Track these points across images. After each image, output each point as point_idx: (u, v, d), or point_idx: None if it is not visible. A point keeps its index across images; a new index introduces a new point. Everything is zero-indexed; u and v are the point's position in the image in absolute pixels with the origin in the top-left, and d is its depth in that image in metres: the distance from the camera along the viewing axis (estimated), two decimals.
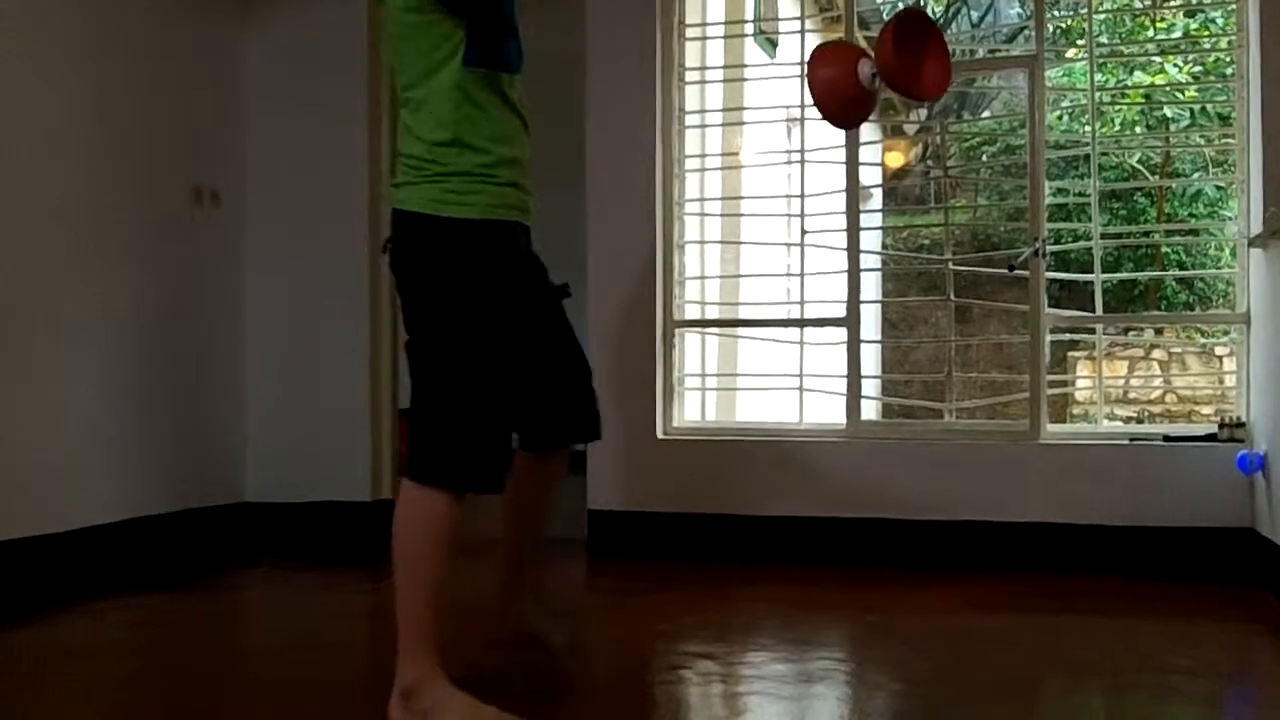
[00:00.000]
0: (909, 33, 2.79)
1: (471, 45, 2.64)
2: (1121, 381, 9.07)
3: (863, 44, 5.34)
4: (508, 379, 2.67)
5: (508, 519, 3.10)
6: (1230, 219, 5.91)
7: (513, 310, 2.70)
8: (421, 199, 2.65)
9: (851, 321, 5.15)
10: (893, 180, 9.55)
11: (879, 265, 7.26)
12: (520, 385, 2.77)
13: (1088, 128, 5.28)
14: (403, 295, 2.73)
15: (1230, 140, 5.18)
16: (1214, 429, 4.74)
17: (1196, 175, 10.45)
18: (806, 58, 2.83)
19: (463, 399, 2.61)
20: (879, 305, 9.57)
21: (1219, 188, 10.18)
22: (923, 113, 13.19)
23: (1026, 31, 5.51)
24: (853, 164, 5.17)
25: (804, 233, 5.30)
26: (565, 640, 3.25)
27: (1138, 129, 10.47)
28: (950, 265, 5.47)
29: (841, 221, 5.19)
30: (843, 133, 5.16)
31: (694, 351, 5.69)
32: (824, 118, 2.99)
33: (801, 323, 5.35)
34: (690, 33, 5.48)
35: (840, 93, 2.81)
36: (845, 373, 5.16)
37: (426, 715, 2.57)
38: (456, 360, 2.61)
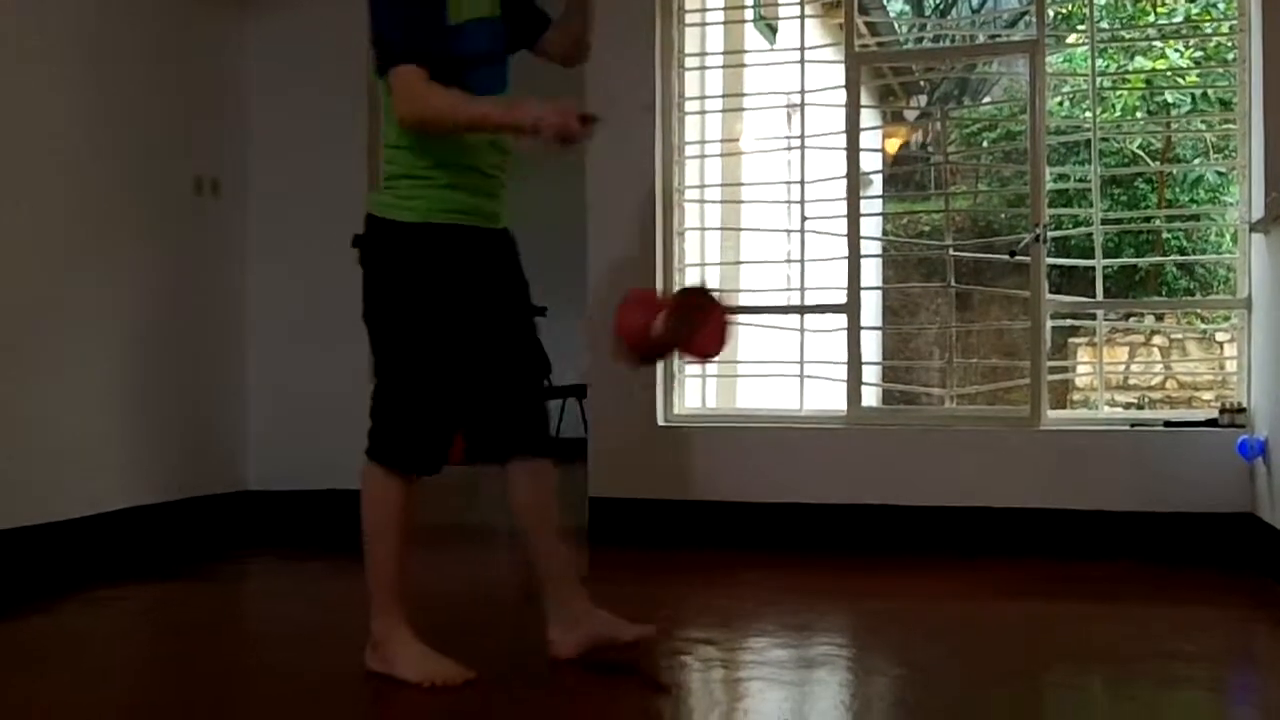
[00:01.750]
0: (692, 306, 3.06)
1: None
2: (1122, 367, 9.07)
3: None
4: (441, 374, 2.86)
5: (523, 537, 3.14)
6: (1231, 204, 5.91)
7: (451, 311, 2.85)
8: (376, 202, 2.91)
9: (852, 308, 5.15)
10: (893, 167, 9.54)
11: (879, 252, 7.23)
12: (460, 384, 2.89)
13: (1088, 113, 5.28)
14: (363, 288, 2.99)
15: (1231, 125, 5.17)
16: (1215, 414, 4.74)
17: (1197, 160, 10.44)
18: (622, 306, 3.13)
19: (397, 389, 2.88)
20: (880, 292, 9.58)
21: (1220, 173, 10.16)
22: (923, 99, 13.18)
23: (1027, 17, 5.50)
24: (853, 150, 5.16)
25: (804, 219, 5.30)
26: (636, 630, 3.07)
27: (1139, 114, 10.45)
28: (951, 251, 5.47)
29: (842, 208, 5.18)
30: (843, 118, 5.16)
31: None
32: (617, 354, 3.17)
33: (802, 309, 5.35)
34: (690, 18, 5.46)
35: (639, 341, 3.04)
36: (846, 359, 5.16)
37: (390, 663, 2.87)
38: (394, 353, 2.88)
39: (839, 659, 3.36)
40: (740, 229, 6.06)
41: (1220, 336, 8.63)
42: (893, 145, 10.74)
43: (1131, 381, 9.49)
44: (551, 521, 3.08)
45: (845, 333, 5.16)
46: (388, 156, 2.85)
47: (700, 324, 3.01)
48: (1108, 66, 10.00)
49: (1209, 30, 8.48)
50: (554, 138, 2.70)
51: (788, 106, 5.77)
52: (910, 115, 12.53)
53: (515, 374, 3.00)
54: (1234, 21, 5.09)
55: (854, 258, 5.16)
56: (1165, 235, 10.64)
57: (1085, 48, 5.72)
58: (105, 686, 3.03)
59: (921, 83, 12.01)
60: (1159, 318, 10.08)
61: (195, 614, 3.98)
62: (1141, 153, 10.74)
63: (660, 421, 5.20)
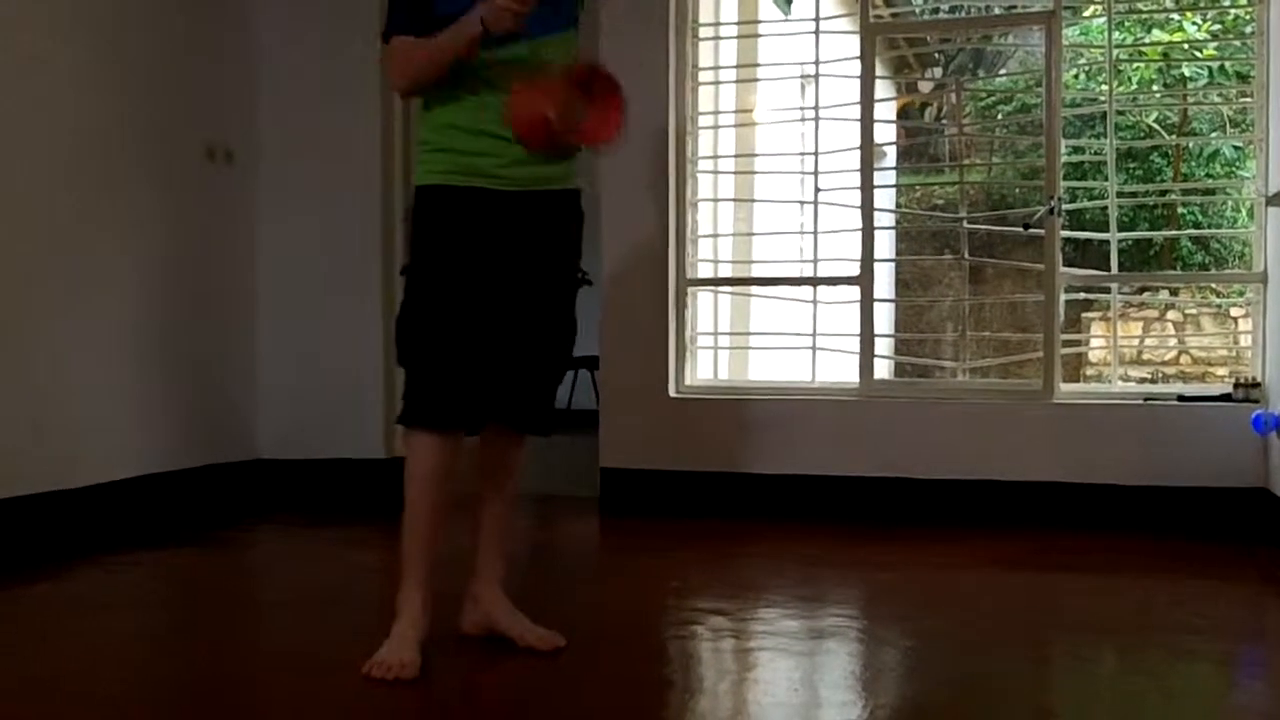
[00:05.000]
0: (590, 87, 2.89)
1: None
2: (1136, 341, 9.03)
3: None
4: (461, 335, 2.84)
5: (478, 492, 3.08)
6: (1248, 178, 5.87)
7: (467, 274, 2.83)
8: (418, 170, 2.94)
9: (865, 280, 5.14)
10: (902, 128, 9.50)
11: (893, 224, 7.21)
12: (471, 347, 2.86)
13: (1104, 86, 5.24)
14: None
15: (1248, 99, 5.14)
16: (1229, 389, 4.73)
17: (1214, 134, 10.37)
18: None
19: (420, 348, 2.86)
20: (892, 264, 9.53)
21: (1236, 147, 10.08)
22: (938, 71, 13.08)
23: None
24: (867, 122, 5.13)
25: (818, 191, 5.28)
26: (530, 638, 2.95)
27: (1155, 87, 10.36)
28: (965, 224, 5.45)
29: (855, 179, 5.16)
30: (858, 90, 5.13)
31: (707, 310, 5.68)
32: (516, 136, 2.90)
33: (815, 281, 5.33)
34: None
35: (538, 132, 2.83)
36: (858, 331, 5.15)
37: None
38: (418, 315, 2.86)
39: (849, 630, 3.37)
40: (753, 200, 6.04)
41: (1235, 311, 8.57)
42: (897, 103, 10.65)
43: (1145, 356, 9.45)
44: (507, 492, 3.06)
45: (858, 305, 5.14)
46: (420, 120, 2.94)
47: (599, 108, 2.88)
48: (1124, 39, 9.90)
49: (1227, 3, 8.40)
50: (504, 25, 2.68)
51: (802, 78, 5.74)
52: (925, 87, 12.44)
53: (520, 346, 2.94)
54: None
55: (867, 230, 5.15)
56: (1180, 209, 10.58)
57: (1102, 19, 5.66)
58: (115, 653, 3.05)
59: (936, 54, 11.92)
60: (1173, 292, 10.01)
61: (206, 581, 4.01)
62: (1157, 126, 10.66)
63: (672, 392, 5.21)
